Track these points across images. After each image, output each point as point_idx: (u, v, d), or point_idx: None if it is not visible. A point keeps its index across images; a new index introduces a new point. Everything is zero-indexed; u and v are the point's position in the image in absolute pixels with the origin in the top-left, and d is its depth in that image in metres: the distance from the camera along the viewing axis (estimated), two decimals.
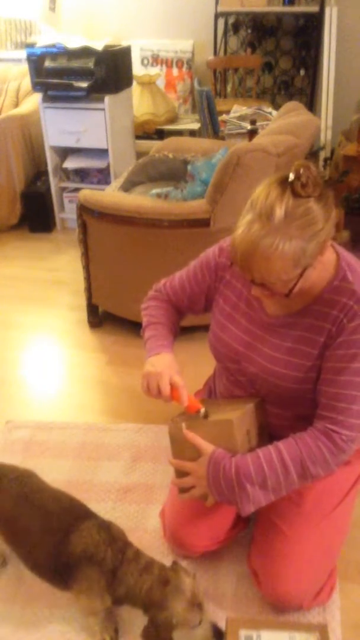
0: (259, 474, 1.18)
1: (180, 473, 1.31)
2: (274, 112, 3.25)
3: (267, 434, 1.36)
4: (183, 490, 1.32)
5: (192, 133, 3.95)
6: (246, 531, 1.53)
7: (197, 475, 1.26)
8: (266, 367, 1.27)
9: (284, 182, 1.04)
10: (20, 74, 3.75)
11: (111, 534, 1.23)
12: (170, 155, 2.98)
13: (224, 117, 3.36)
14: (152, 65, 4.15)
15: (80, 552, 1.19)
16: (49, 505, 1.29)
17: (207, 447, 1.25)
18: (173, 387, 1.27)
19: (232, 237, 1.09)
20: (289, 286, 1.10)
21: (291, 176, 1.03)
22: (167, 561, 1.50)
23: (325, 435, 1.17)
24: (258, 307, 1.30)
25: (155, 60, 4.14)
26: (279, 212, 1.02)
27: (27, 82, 3.61)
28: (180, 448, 1.30)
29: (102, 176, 3.44)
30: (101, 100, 3.17)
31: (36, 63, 3.16)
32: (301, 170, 1.02)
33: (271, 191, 1.04)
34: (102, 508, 1.66)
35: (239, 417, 1.25)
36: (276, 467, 1.17)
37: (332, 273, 1.18)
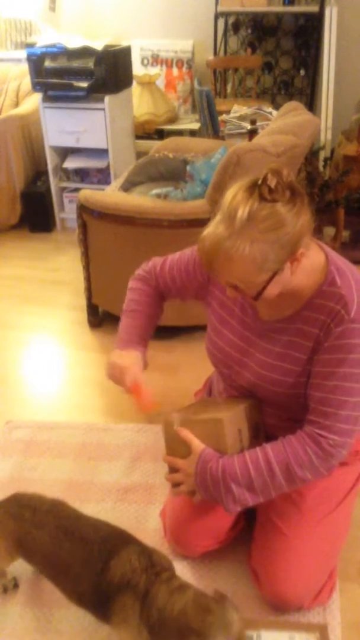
0: (244, 476, 1.18)
1: (173, 469, 1.33)
2: (274, 112, 3.25)
3: (263, 434, 1.37)
4: (174, 485, 1.33)
5: (192, 133, 3.95)
6: (246, 531, 1.53)
7: (186, 472, 1.27)
8: (258, 372, 1.28)
9: (252, 186, 1.05)
10: (20, 74, 3.75)
11: (151, 560, 1.17)
12: (170, 155, 2.98)
13: (224, 117, 3.36)
14: (152, 65, 4.15)
15: (119, 579, 1.13)
16: (89, 534, 1.23)
17: (198, 445, 1.26)
18: (135, 383, 1.33)
19: (200, 236, 1.10)
20: (257, 289, 1.10)
21: (260, 180, 1.04)
22: None
23: (312, 439, 1.16)
24: (252, 312, 1.30)
25: (155, 60, 4.14)
26: (241, 214, 1.03)
27: (27, 82, 3.61)
28: (173, 445, 1.32)
29: (102, 176, 3.44)
30: (101, 100, 3.17)
31: (36, 63, 3.16)
32: (269, 175, 1.02)
33: (238, 193, 1.05)
34: (102, 508, 1.66)
35: (230, 416, 1.26)
36: (262, 469, 1.18)
37: (321, 278, 1.17)
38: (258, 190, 1.03)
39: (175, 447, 1.31)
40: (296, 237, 1.06)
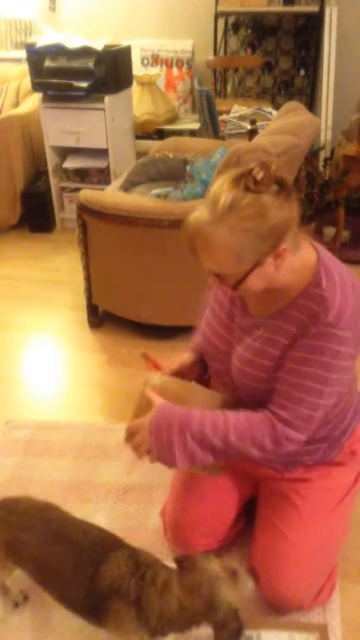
0: (200, 431, 1.19)
1: (131, 434, 1.30)
2: (274, 112, 3.25)
3: None
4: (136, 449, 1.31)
5: (192, 133, 3.95)
6: (246, 531, 1.53)
7: (144, 427, 1.25)
8: (237, 366, 1.28)
9: (240, 176, 1.06)
10: (20, 74, 3.75)
11: (137, 562, 1.16)
12: (170, 155, 2.98)
13: (224, 117, 3.36)
14: (152, 65, 4.15)
15: (108, 585, 1.12)
16: (79, 538, 1.21)
17: (160, 400, 1.26)
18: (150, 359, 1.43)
19: (184, 220, 1.12)
20: (236, 279, 1.12)
21: (246, 172, 1.05)
22: (167, 561, 1.50)
23: (271, 426, 1.18)
24: (241, 306, 1.30)
25: (155, 60, 4.14)
26: (224, 200, 1.04)
27: (27, 82, 3.61)
28: (139, 411, 1.32)
29: (102, 176, 3.44)
30: (101, 100, 3.17)
31: (36, 63, 3.16)
32: (256, 168, 1.04)
33: (225, 182, 1.07)
34: (102, 508, 1.66)
35: (204, 397, 1.30)
36: (219, 432, 1.19)
37: (309, 278, 1.16)
38: (244, 180, 1.05)
39: (142, 412, 1.30)
40: (278, 230, 1.06)
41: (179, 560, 1.17)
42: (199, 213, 1.09)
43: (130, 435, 1.29)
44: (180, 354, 1.46)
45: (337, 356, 1.13)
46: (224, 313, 1.34)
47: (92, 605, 1.15)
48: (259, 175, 1.03)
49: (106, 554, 1.16)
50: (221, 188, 1.06)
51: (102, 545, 1.20)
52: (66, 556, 1.19)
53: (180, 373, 1.41)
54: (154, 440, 1.22)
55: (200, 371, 1.47)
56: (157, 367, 1.44)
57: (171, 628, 1.11)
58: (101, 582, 1.13)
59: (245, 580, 1.12)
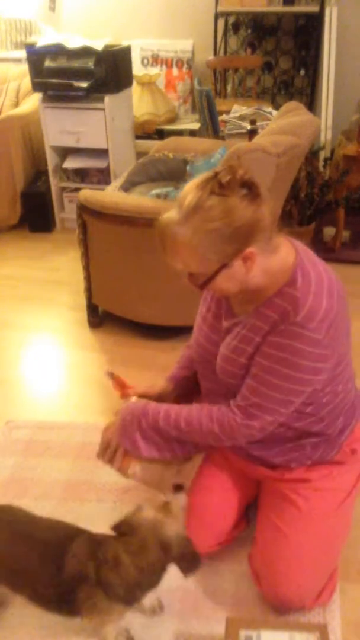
0: (154, 419, 1.32)
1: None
2: (274, 112, 3.25)
3: None
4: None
5: (192, 133, 3.95)
6: (247, 531, 1.53)
7: (113, 428, 1.38)
8: (218, 364, 1.31)
9: (207, 179, 1.08)
10: (20, 74, 3.75)
11: (92, 545, 1.19)
12: (170, 155, 2.97)
13: (224, 117, 3.36)
14: (152, 65, 4.15)
15: (73, 574, 1.15)
16: (45, 536, 1.24)
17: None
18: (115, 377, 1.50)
19: (155, 221, 1.15)
20: (202, 279, 1.15)
21: (211, 174, 1.07)
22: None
23: (221, 412, 1.26)
24: (226, 307, 1.32)
25: (155, 60, 4.14)
26: (189, 201, 1.07)
27: (27, 82, 3.61)
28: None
29: (102, 176, 3.44)
30: (101, 100, 3.17)
31: (36, 63, 3.16)
32: (223, 172, 1.06)
33: (193, 184, 1.09)
34: (102, 508, 1.66)
35: None
36: (170, 419, 1.30)
37: (285, 279, 1.17)
38: (211, 183, 1.06)
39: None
40: (243, 233, 1.07)
41: (116, 529, 1.20)
42: (169, 213, 1.12)
43: (102, 441, 1.41)
44: (154, 381, 1.52)
45: (303, 355, 1.14)
46: (211, 315, 1.36)
47: (63, 597, 1.17)
48: (225, 179, 1.05)
49: (68, 545, 1.19)
50: (189, 190, 1.09)
51: (63, 537, 1.23)
52: (33, 555, 1.20)
53: (146, 397, 1.45)
54: (121, 433, 1.34)
55: (173, 401, 1.48)
56: (122, 386, 1.49)
57: (142, 589, 1.15)
58: (67, 573, 1.16)
59: (176, 503, 1.20)
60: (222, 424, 1.25)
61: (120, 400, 1.47)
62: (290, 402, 1.20)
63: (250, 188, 1.07)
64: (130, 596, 1.15)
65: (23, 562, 1.21)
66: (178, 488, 1.27)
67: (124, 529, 1.18)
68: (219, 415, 1.26)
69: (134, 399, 1.44)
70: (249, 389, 1.22)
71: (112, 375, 1.50)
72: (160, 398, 1.46)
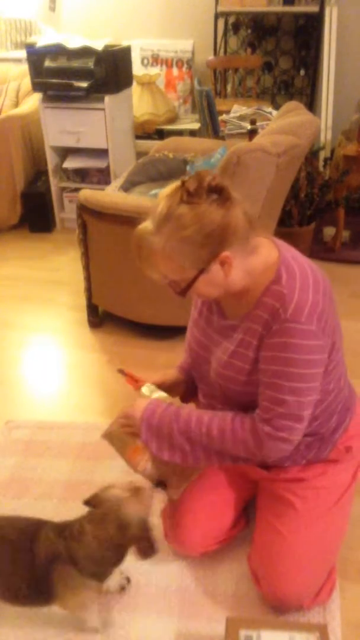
0: (186, 424, 1.27)
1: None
2: (274, 112, 3.25)
3: None
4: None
5: (192, 133, 3.95)
6: (246, 531, 1.53)
7: (134, 416, 1.33)
8: (216, 369, 1.30)
9: (177, 188, 1.10)
10: (20, 74, 3.75)
11: (60, 528, 1.24)
12: (170, 155, 2.97)
13: (224, 117, 3.36)
14: (152, 65, 4.15)
15: (45, 557, 1.20)
16: (10, 533, 1.26)
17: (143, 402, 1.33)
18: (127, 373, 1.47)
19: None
20: (181, 286, 1.16)
21: (183, 184, 1.08)
22: (167, 561, 1.51)
23: (252, 427, 1.21)
24: (217, 310, 1.33)
25: (155, 60, 4.14)
26: (160, 210, 1.09)
27: (27, 82, 3.61)
28: (122, 443, 1.40)
29: (102, 176, 3.44)
30: (101, 100, 3.17)
31: (36, 63, 3.16)
32: (190, 180, 1.07)
33: (164, 194, 1.11)
34: None
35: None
36: (202, 426, 1.26)
37: (271, 277, 1.17)
38: (179, 192, 1.08)
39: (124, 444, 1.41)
40: (216, 238, 1.08)
41: (87, 503, 1.25)
42: (144, 224, 1.13)
43: (120, 419, 1.37)
44: (165, 370, 1.50)
45: (304, 350, 1.13)
46: (203, 320, 1.36)
47: (39, 584, 1.20)
48: (192, 187, 1.06)
49: (36, 534, 1.23)
50: (160, 199, 1.11)
51: (30, 529, 1.26)
52: (4, 554, 1.23)
53: (161, 387, 1.45)
54: (147, 430, 1.30)
55: (184, 390, 1.50)
56: (135, 380, 1.47)
57: (106, 564, 1.20)
58: (39, 559, 1.20)
59: (149, 492, 1.24)
60: (254, 434, 1.21)
61: (135, 391, 1.46)
62: (310, 403, 1.19)
63: (219, 193, 1.08)
64: (97, 570, 1.20)
65: None
66: (160, 484, 1.33)
67: (93, 502, 1.24)
68: (252, 426, 1.21)
69: (145, 388, 1.44)
70: (268, 399, 1.18)
71: (123, 372, 1.50)
72: (172, 387, 1.47)
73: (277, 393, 1.16)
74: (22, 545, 1.23)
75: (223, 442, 1.24)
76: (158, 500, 1.67)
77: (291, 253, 1.22)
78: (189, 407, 1.33)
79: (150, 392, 1.43)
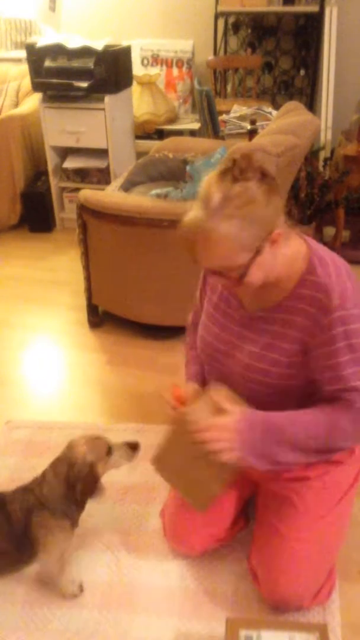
0: (293, 432, 1.19)
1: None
2: (274, 112, 3.25)
3: None
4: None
5: (192, 133, 3.95)
6: (246, 531, 1.53)
7: (228, 429, 1.17)
8: (247, 363, 1.28)
9: (225, 171, 1.08)
10: (20, 74, 3.75)
11: (24, 486, 1.36)
12: (170, 155, 2.98)
13: (224, 117, 3.36)
14: (152, 65, 4.15)
15: (20, 512, 1.30)
16: None
17: (240, 407, 1.21)
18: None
19: (180, 225, 1.13)
20: (239, 272, 1.13)
21: (230, 164, 1.07)
22: (167, 561, 1.51)
23: (344, 406, 1.18)
24: (236, 304, 1.32)
25: (155, 60, 4.14)
26: (216, 195, 1.06)
27: (27, 82, 3.61)
28: (201, 410, 1.23)
29: (102, 176, 3.44)
30: (101, 100, 3.17)
31: (36, 63, 3.16)
32: (239, 159, 1.07)
33: (212, 178, 1.09)
34: (102, 508, 1.66)
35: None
36: (310, 431, 1.19)
37: (302, 267, 1.19)
38: (230, 173, 1.07)
39: (203, 411, 1.24)
40: (269, 215, 1.09)
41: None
42: (194, 213, 1.10)
43: (206, 431, 1.20)
44: (186, 385, 1.42)
45: None
46: (219, 313, 1.35)
47: (22, 539, 1.30)
48: (243, 164, 1.06)
49: (1, 499, 1.33)
50: (209, 184, 1.09)
51: None
52: None
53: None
54: (244, 441, 1.17)
55: None
56: (180, 399, 1.34)
57: (72, 503, 1.30)
58: (15, 515, 1.30)
59: (103, 442, 1.36)
60: (351, 414, 1.18)
61: (172, 410, 1.34)
62: None
63: (263, 173, 1.09)
64: (64, 507, 1.30)
65: None
66: (133, 446, 1.39)
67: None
68: (347, 406, 1.18)
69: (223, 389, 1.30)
70: (349, 379, 1.16)
71: (173, 389, 1.36)
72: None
73: (351, 382, 1.16)
74: None
75: (334, 437, 1.21)
76: (158, 500, 1.67)
77: (317, 244, 1.23)
78: (275, 414, 1.21)
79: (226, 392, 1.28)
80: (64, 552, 1.38)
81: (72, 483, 1.29)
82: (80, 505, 1.33)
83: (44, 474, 1.35)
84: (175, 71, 4.13)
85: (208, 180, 1.11)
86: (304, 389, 1.26)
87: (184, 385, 1.42)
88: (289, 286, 1.19)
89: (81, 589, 1.45)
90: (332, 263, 1.19)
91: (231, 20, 4.01)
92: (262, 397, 1.30)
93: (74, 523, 1.34)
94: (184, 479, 1.32)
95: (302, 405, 1.24)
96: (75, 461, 1.31)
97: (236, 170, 1.07)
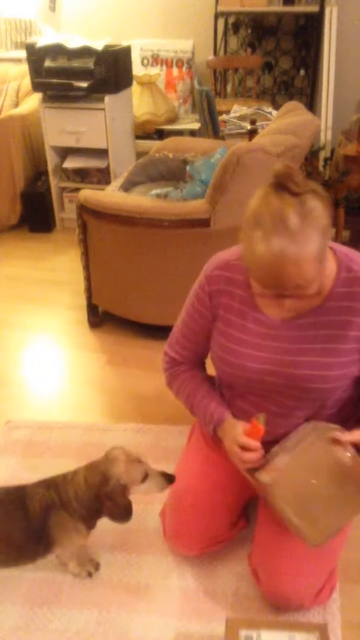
0: None
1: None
2: (274, 112, 3.25)
3: None
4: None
5: (192, 133, 3.95)
6: (246, 531, 1.53)
7: None
8: (305, 374, 1.23)
9: (278, 188, 1.02)
10: (20, 74, 3.75)
11: (47, 482, 1.36)
12: (170, 155, 2.98)
13: (224, 117, 3.36)
14: (152, 65, 4.15)
15: (40, 507, 1.31)
16: None
17: None
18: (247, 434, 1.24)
19: (250, 259, 1.05)
20: (317, 284, 1.09)
21: (282, 179, 1.02)
22: (167, 561, 1.51)
23: None
24: (253, 316, 1.27)
25: (155, 60, 4.14)
26: (293, 216, 1.00)
27: (27, 82, 3.61)
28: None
29: (102, 176, 3.44)
30: (101, 100, 3.17)
31: (36, 63, 3.16)
32: (291, 172, 1.02)
33: (271, 200, 1.02)
34: None
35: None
36: None
37: (334, 267, 1.19)
38: (287, 189, 1.01)
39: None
40: (328, 221, 1.07)
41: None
42: (265, 243, 1.01)
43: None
44: (230, 424, 1.31)
45: None
46: (237, 330, 1.29)
47: (38, 533, 1.31)
48: (298, 177, 1.02)
49: (23, 492, 1.34)
50: (274, 206, 1.01)
51: (15, 491, 1.36)
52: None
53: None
54: None
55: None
56: (257, 432, 1.23)
57: (92, 510, 1.30)
58: (34, 511, 1.31)
59: (142, 466, 1.32)
60: None
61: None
62: None
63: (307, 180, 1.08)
64: (83, 512, 1.30)
65: None
66: (169, 478, 1.36)
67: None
68: None
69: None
70: None
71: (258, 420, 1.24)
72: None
73: None
74: (13, 504, 1.32)
75: None
76: (158, 500, 1.67)
77: (335, 243, 1.24)
78: None
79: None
80: (79, 548, 1.42)
81: (101, 497, 1.28)
82: (100, 516, 1.34)
83: (74, 474, 1.34)
84: (175, 71, 4.13)
85: (266, 201, 1.03)
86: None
87: (234, 424, 1.30)
88: (327, 287, 1.19)
89: (97, 567, 1.49)
90: (355, 256, 1.21)
91: (231, 20, 4.01)
92: (302, 403, 1.29)
93: (91, 526, 1.35)
94: (301, 509, 1.17)
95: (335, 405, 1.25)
96: (109, 477, 1.29)
97: (293, 186, 1.01)
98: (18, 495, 1.34)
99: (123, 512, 1.30)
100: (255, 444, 1.22)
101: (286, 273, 1.02)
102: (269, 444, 1.27)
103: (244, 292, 1.28)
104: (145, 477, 1.32)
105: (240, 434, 1.24)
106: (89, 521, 1.33)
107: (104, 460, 1.33)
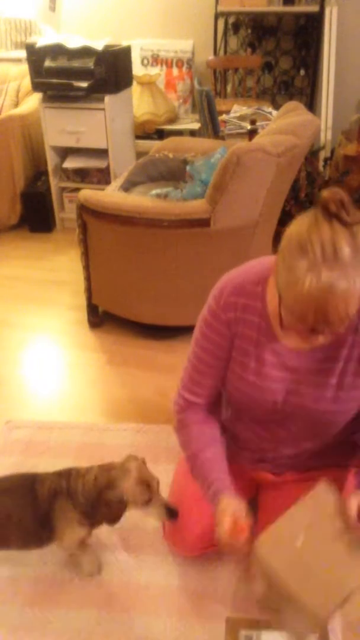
0: None
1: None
2: (274, 112, 3.25)
3: None
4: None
5: (192, 133, 3.95)
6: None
7: None
8: (315, 408, 1.22)
9: (327, 216, 0.92)
10: (20, 74, 3.75)
11: (60, 472, 1.39)
12: (170, 155, 2.98)
13: (224, 117, 3.36)
14: (152, 65, 4.15)
15: (48, 492, 1.34)
16: (8, 485, 1.39)
17: None
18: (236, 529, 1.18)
19: (290, 290, 0.94)
20: (352, 317, 0.97)
21: (333, 207, 0.91)
22: (167, 562, 1.51)
23: None
24: (271, 349, 1.21)
25: (155, 60, 4.14)
26: (346, 248, 0.90)
27: (27, 82, 3.61)
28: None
29: (102, 176, 3.44)
30: (101, 100, 3.17)
31: (36, 63, 3.16)
32: (339, 197, 0.92)
33: (321, 229, 0.91)
34: None
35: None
36: None
37: None
38: (337, 218, 0.92)
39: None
40: None
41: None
42: (312, 277, 0.91)
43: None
44: (228, 505, 1.21)
45: None
46: (254, 361, 1.24)
47: (42, 517, 1.33)
48: (350, 205, 0.92)
49: (33, 477, 1.38)
50: (325, 236, 0.91)
51: (26, 476, 1.40)
52: (7, 502, 1.35)
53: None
54: None
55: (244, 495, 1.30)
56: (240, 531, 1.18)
57: (96, 507, 1.30)
58: (42, 495, 1.33)
59: (147, 492, 1.31)
60: None
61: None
62: None
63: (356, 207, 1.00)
64: (87, 508, 1.31)
65: (2, 511, 1.35)
66: (171, 513, 1.33)
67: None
68: None
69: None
70: None
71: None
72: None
73: None
74: (23, 489, 1.36)
75: None
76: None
77: None
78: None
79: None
80: (82, 541, 1.41)
81: (101, 499, 1.29)
82: (101, 521, 1.35)
83: (87, 470, 1.36)
84: (175, 71, 4.13)
85: (315, 230, 0.92)
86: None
87: (228, 507, 1.20)
88: None
89: (100, 568, 1.50)
90: None
91: (231, 20, 4.01)
92: (314, 432, 1.29)
93: (94, 524, 1.35)
94: (303, 575, 1.01)
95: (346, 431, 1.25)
96: (115, 487, 1.29)
97: (343, 214, 0.91)
98: (30, 481, 1.37)
99: (112, 519, 1.31)
100: (237, 544, 1.16)
101: (331, 309, 0.92)
102: (275, 458, 1.31)
103: (261, 321, 1.19)
104: (147, 502, 1.30)
105: (225, 533, 1.17)
106: (91, 517, 1.34)
107: (119, 466, 1.33)
